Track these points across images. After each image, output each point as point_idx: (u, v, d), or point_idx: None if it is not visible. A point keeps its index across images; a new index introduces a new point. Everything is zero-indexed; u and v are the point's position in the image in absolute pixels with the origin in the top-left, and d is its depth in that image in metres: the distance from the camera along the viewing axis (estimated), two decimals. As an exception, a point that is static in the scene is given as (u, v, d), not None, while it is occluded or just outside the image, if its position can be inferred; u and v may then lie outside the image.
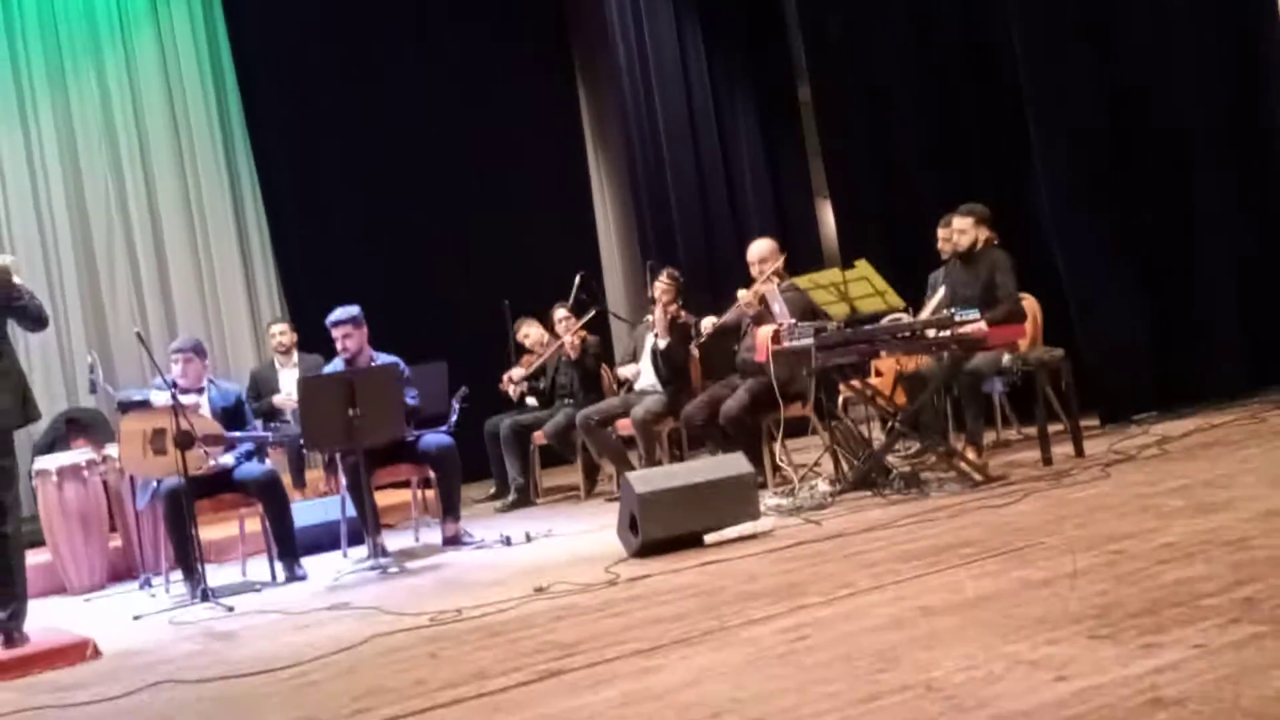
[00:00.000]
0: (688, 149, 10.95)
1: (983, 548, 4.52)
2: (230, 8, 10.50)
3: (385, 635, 4.65)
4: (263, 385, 8.82)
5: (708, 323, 7.62)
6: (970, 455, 6.47)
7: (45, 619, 6.04)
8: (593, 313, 8.78)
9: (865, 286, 6.39)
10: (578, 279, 8.79)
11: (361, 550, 6.66)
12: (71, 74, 10.06)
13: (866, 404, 7.03)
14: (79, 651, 5.11)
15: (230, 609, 5.74)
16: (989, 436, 7.39)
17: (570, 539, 6.55)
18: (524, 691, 3.57)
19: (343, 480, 6.91)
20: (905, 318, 6.81)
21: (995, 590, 3.83)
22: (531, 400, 8.83)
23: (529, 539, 6.64)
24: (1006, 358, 6.71)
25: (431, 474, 7.07)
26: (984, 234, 6.96)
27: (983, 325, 6.17)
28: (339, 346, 6.91)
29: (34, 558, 7.47)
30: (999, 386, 7.34)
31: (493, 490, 8.85)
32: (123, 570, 7.41)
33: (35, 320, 5.44)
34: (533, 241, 11.03)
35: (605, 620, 4.35)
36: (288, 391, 8.49)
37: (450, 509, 6.95)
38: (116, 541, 7.48)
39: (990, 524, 5.02)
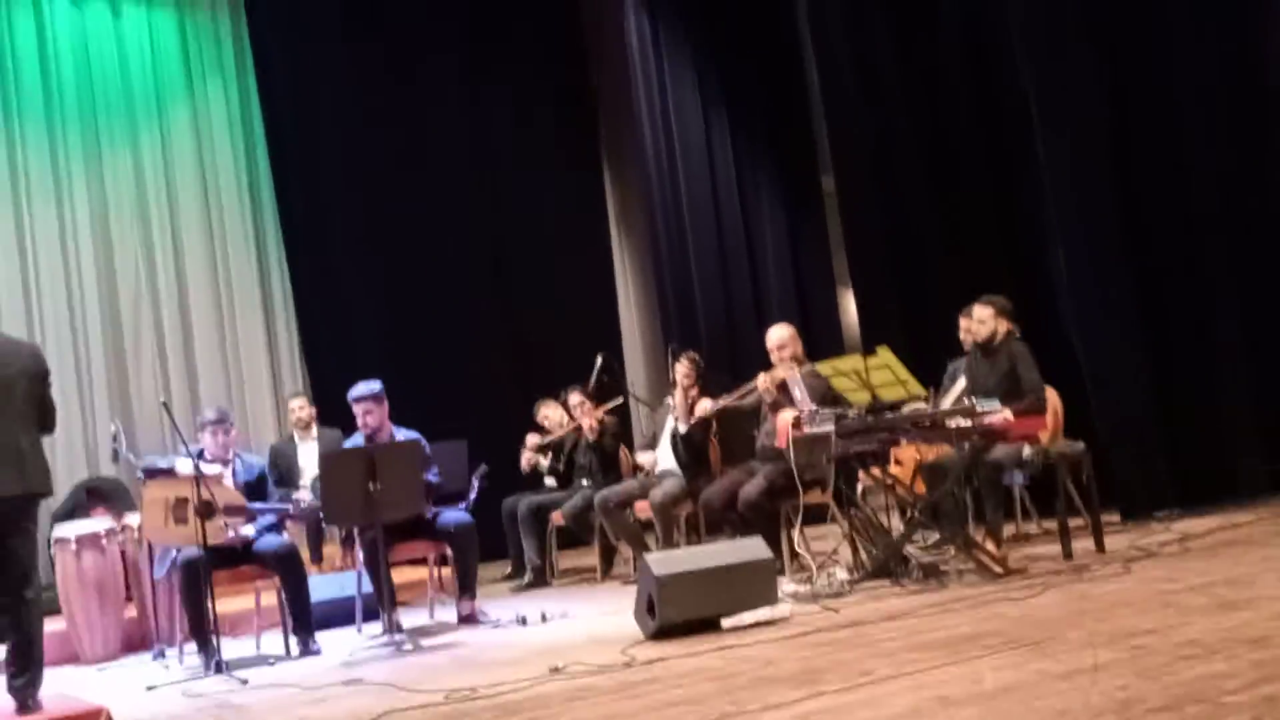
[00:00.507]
0: (711, 234, 11.04)
1: (1002, 639, 4.50)
2: (265, 89, 10.70)
3: (399, 712, 4.62)
4: (281, 460, 8.83)
5: (704, 406, 7.66)
6: (990, 547, 6.44)
7: (59, 687, 6.02)
8: (617, 399, 8.81)
9: (886, 374, 6.41)
10: (599, 361, 8.85)
11: (376, 626, 6.64)
12: (108, 150, 10.24)
13: (886, 492, 7.01)
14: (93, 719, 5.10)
15: (244, 682, 5.72)
16: (1009, 529, 7.36)
17: (586, 620, 6.52)
18: (539, 771, 3.55)
19: (360, 555, 6.91)
20: (926, 406, 6.82)
21: (1015, 682, 3.81)
22: (550, 480, 8.84)
23: (545, 619, 6.62)
24: (1027, 450, 6.69)
25: (449, 551, 7.07)
26: (1004, 325, 6.99)
27: (1006, 415, 6.18)
28: (360, 422, 6.94)
29: (49, 626, 7.41)
30: (1019, 479, 7.31)
31: (509, 570, 8.83)
32: (137, 640, 7.38)
33: (51, 410, 5.53)
34: (554, 323, 11.10)
35: (622, 702, 4.33)
36: (308, 472, 8.47)
37: (466, 587, 6.94)
38: (132, 612, 7.47)
39: (1010, 616, 4.99)
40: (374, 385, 6.97)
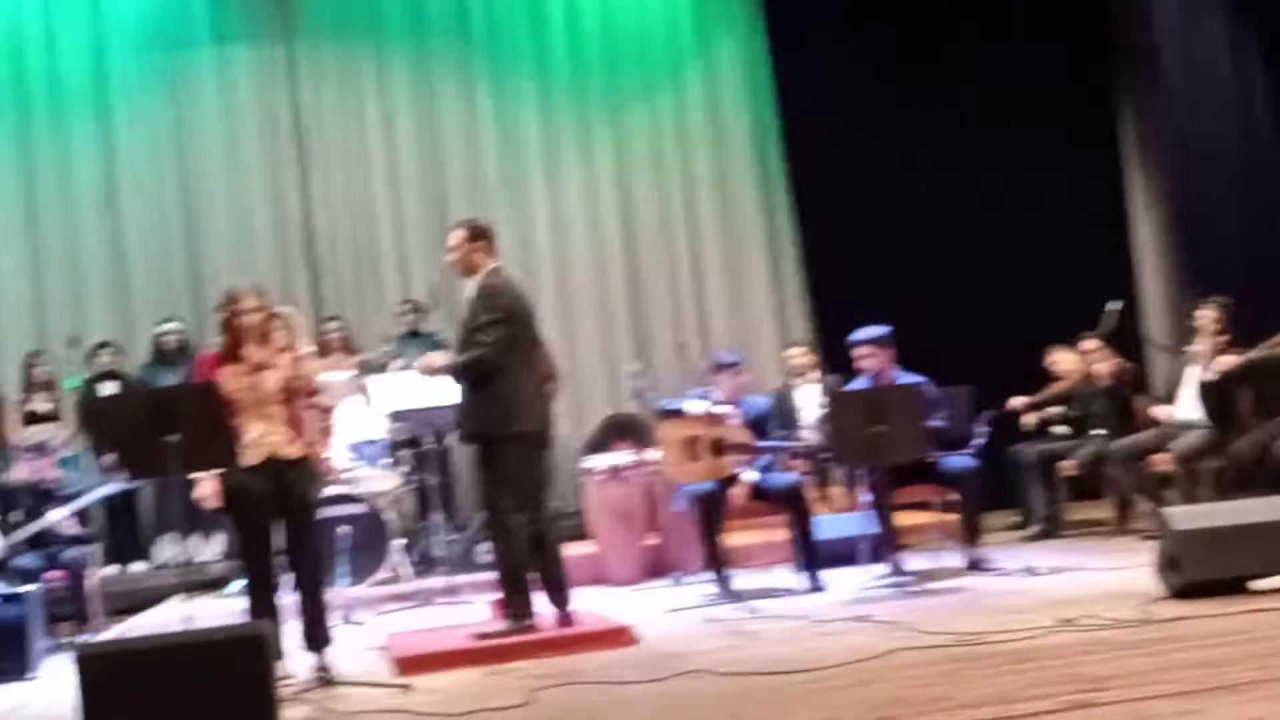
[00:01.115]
0: (1239, 176, 10.19)
1: None
2: (775, 46, 10.95)
3: (905, 650, 4.66)
4: (782, 404, 9.04)
5: (1232, 356, 7.11)
6: None
7: (588, 606, 6.53)
8: (1127, 342, 8.37)
9: None
10: (1113, 307, 8.42)
11: (881, 567, 6.71)
12: (629, 106, 10.91)
13: None
14: (620, 637, 5.51)
15: (755, 611, 5.97)
16: None
17: (1099, 574, 6.27)
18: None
19: (864, 496, 7.00)
20: None
21: None
22: (1060, 429, 8.53)
23: (1054, 570, 6.42)
24: None
25: (954, 497, 7.01)
26: None
27: None
28: (861, 366, 6.98)
29: (579, 549, 8.14)
30: None
31: (1017, 519, 8.62)
32: (658, 567, 7.86)
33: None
34: (1064, 270, 10.62)
35: (1138, 658, 4.15)
36: (806, 417, 8.66)
37: (972, 533, 6.86)
38: (653, 540, 7.96)
39: None
40: (877, 330, 7.00)
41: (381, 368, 8.31)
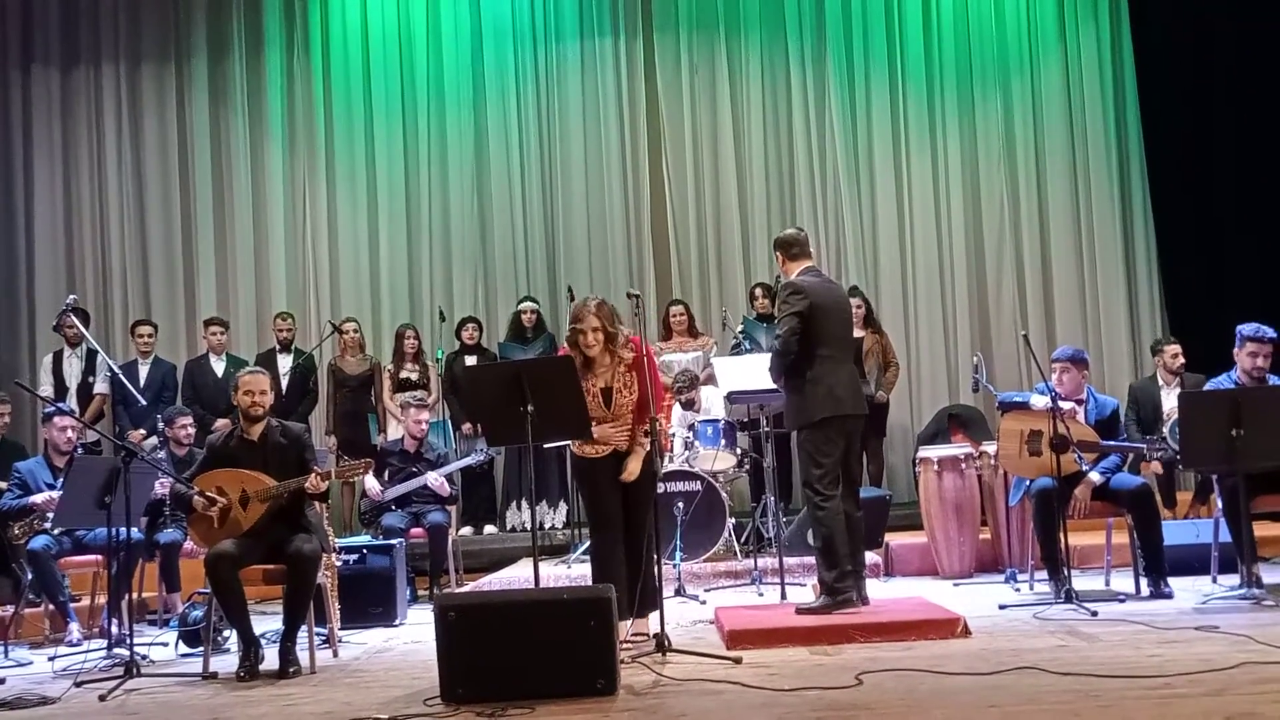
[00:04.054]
0: None
1: None
2: (1138, 36, 10.56)
3: (1257, 664, 4.45)
4: (1144, 401, 8.68)
5: None
6: None
7: (918, 595, 6.52)
8: None
9: None
10: None
11: (1233, 578, 6.38)
12: (979, 98, 10.76)
13: None
14: (950, 627, 5.48)
15: (1093, 613, 5.80)
16: None
17: None
18: None
19: (1218, 503, 6.66)
20: None
21: None
22: None
23: None
24: None
25: (1320, 509, 6.57)
26: None
27: None
28: (1247, 364, 6.60)
29: (912, 539, 8.13)
30: None
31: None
32: (989, 561, 7.75)
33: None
34: None
35: None
36: (1170, 415, 8.29)
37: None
38: (985, 534, 7.85)
39: None
40: (1259, 328, 6.60)
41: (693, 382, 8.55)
